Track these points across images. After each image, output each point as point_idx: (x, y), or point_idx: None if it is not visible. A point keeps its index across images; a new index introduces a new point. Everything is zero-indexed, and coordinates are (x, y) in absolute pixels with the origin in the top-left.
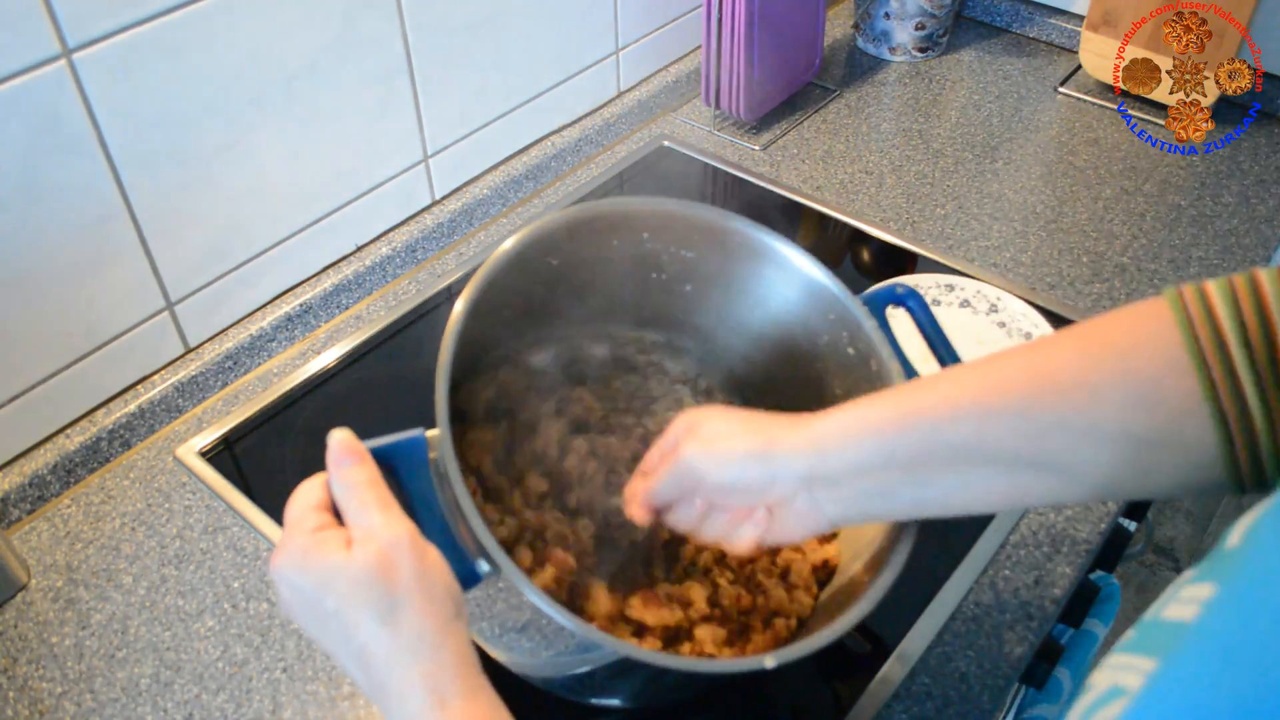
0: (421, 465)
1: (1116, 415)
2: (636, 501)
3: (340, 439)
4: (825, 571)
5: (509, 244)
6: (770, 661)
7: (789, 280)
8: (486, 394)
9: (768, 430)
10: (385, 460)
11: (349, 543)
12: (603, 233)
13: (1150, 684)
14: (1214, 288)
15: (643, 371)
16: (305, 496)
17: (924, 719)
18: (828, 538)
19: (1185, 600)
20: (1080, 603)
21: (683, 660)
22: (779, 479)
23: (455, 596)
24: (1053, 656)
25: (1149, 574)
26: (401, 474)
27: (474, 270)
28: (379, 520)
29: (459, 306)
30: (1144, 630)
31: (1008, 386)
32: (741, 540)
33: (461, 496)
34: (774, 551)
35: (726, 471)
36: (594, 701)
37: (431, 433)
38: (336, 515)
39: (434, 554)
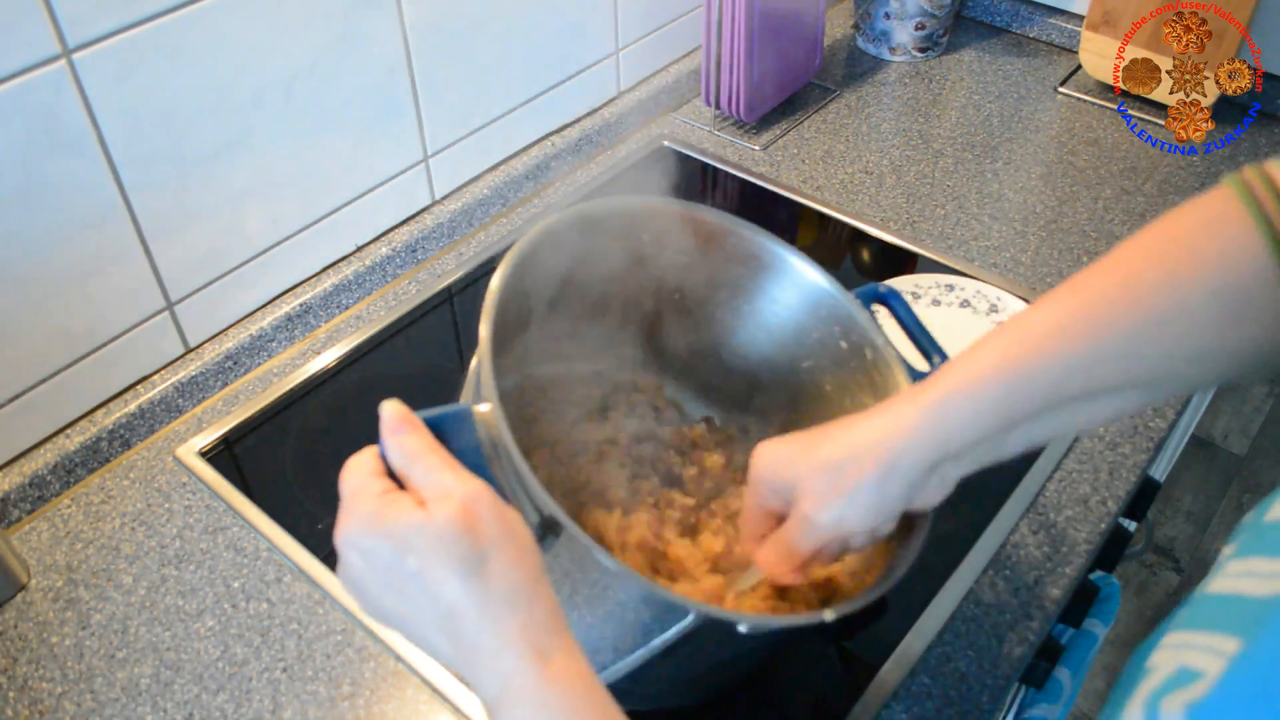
0: (470, 435)
1: (1217, 337)
2: (782, 572)
3: (394, 409)
4: (828, 589)
5: (524, 242)
6: (830, 615)
7: (778, 279)
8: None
9: (875, 452)
10: (435, 430)
11: (423, 503)
12: (604, 234)
13: (1237, 663)
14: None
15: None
16: (361, 465)
17: (924, 719)
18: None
19: (1248, 574)
20: (1080, 603)
21: (753, 617)
22: (914, 486)
23: (538, 551)
24: (1053, 656)
25: (1149, 574)
26: (452, 444)
27: (477, 272)
28: (451, 479)
29: (498, 278)
30: (1201, 606)
31: (1109, 323)
32: (864, 543)
33: (521, 466)
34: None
35: (868, 512)
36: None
37: (478, 408)
38: (397, 485)
39: (513, 511)
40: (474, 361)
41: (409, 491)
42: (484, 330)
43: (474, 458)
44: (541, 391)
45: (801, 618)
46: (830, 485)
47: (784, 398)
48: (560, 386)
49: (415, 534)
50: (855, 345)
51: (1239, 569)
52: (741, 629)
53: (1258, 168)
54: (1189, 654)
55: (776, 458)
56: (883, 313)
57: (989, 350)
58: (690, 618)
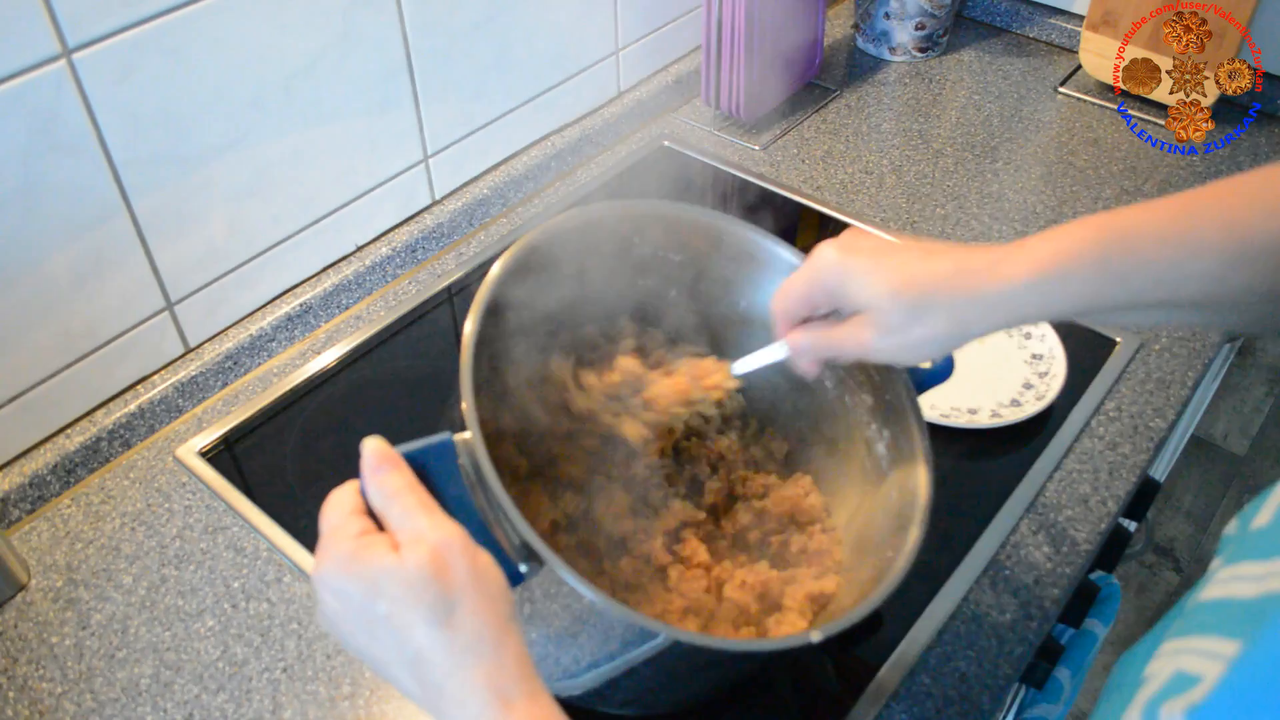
0: (452, 468)
1: None
2: (810, 365)
3: (374, 447)
4: (820, 603)
5: (513, 250)
6: (816, 636)
7: (773, 277)
8: (497, 404)
9: (953, 297)
10: (416, 465)
11: (396, 547)
12: (598, 237)
13: (1236, 665)
14: None
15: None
16: (341, 503)
17: (924, 719)
18: (827, 570)
19: (1236, 579)
20: (1080, 603)
21: (733, 641)
22: (972, 335)
23: (509, 597)
24: (1053, 656)
25: (1149, 574)
26: (434, 478)
27: (477, 272)
28: (425, 523)
29: (479, 300)
30: (1196, 614)
31: (1208, 248)
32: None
33: (500, 496)
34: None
35: (922, 356)
36: (619, 712)
37: (460, 436)
38: (374, 523)
39: (485, 555)
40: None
41: (386, 532)
42: (465, 359)
43: (456, 489)
44: (538, 400)
45: (788, 640)
46: (901, 324)
47: (784, 396)
48: (557, 394)
49: (386, 578)
50: None
51: (1228, 575)
52: (720, 652)
53: None
54: (1185, 659)
55: (848, 268)
56: None
57: (1089, 239)
58: (661, 639)
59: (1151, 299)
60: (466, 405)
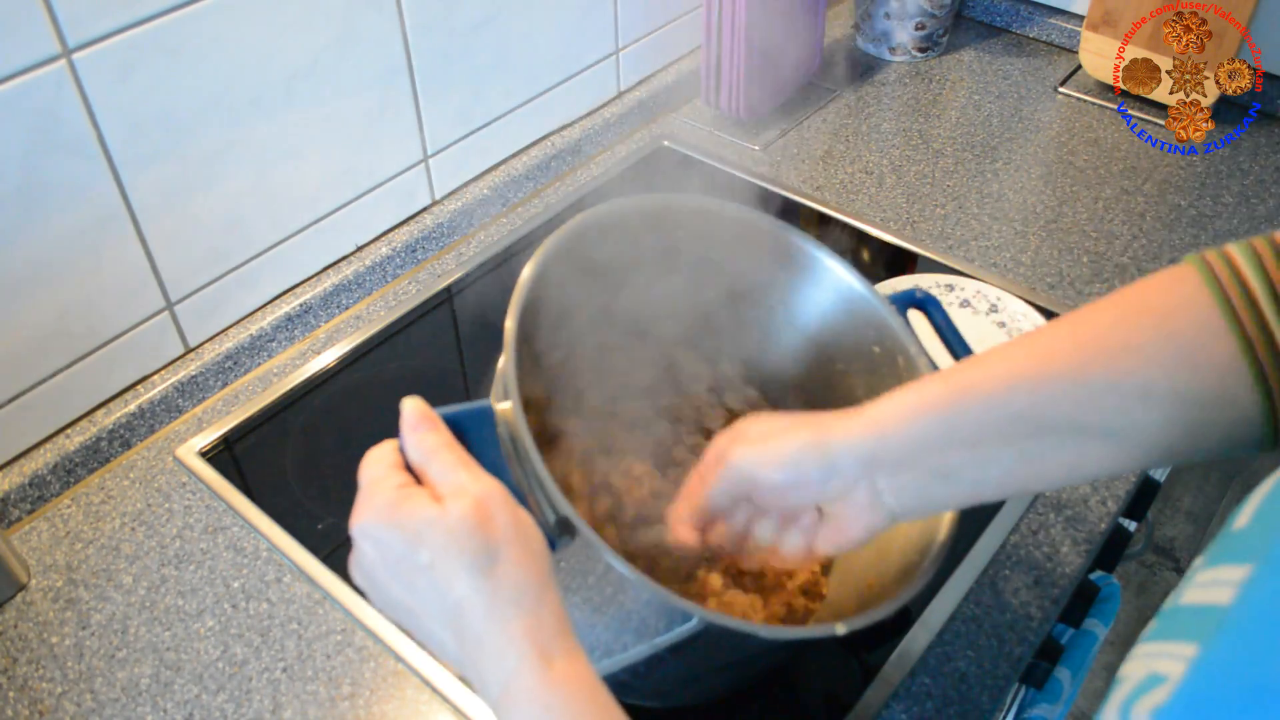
0: (490, 434)
1: (1164, 376)
2: (681, 523)
3: (414, 406)
4: (813, 595)
5: (555, 237)
6: (841, 629)
7: (814, 281)
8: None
9: (819, 423)
10: (455, 428)
11: (437, 499)
12: (638, 229)
13: (1195, 667)
14: (1237, 250)
15: (674, 374)
16: (382, 458)
17: (924, 719)
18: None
19: (1213, 583)
20: (1080, 603)
21: (763, 628)
22: (838, 468)
23: (548, 554)
24: (1053, 656)
25: (1149, 574)
26: (471, 442)
27: (477, 272)
28: (467, 476)
29: (525, 276)
30: (1172, 618)
31: (1056, 355)
32: (791, 550)
33: (538, 465)
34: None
35: (781, 470)
36: (644, 703)
37: (500, 406)
38: (414, 480)
39: (525, 513)
40: (501, 359)
41: (425, 487)
42: (509, 326)
43: (493, 456)
44: (577, 385)
45: (814, 630)
46: (762, 435)
47: (817, 400)
48: (597, 380)
49: (428, 528)
50: (888, 351)
51: (1206, 579)
52: (754, 638)
53: (1218, 249)
54: (1157, 662)
55: (755, 418)
56: (916, 319)
57: (945, 374)
58: (694, 623)
59: (1014, 418)
60: (509, 375)
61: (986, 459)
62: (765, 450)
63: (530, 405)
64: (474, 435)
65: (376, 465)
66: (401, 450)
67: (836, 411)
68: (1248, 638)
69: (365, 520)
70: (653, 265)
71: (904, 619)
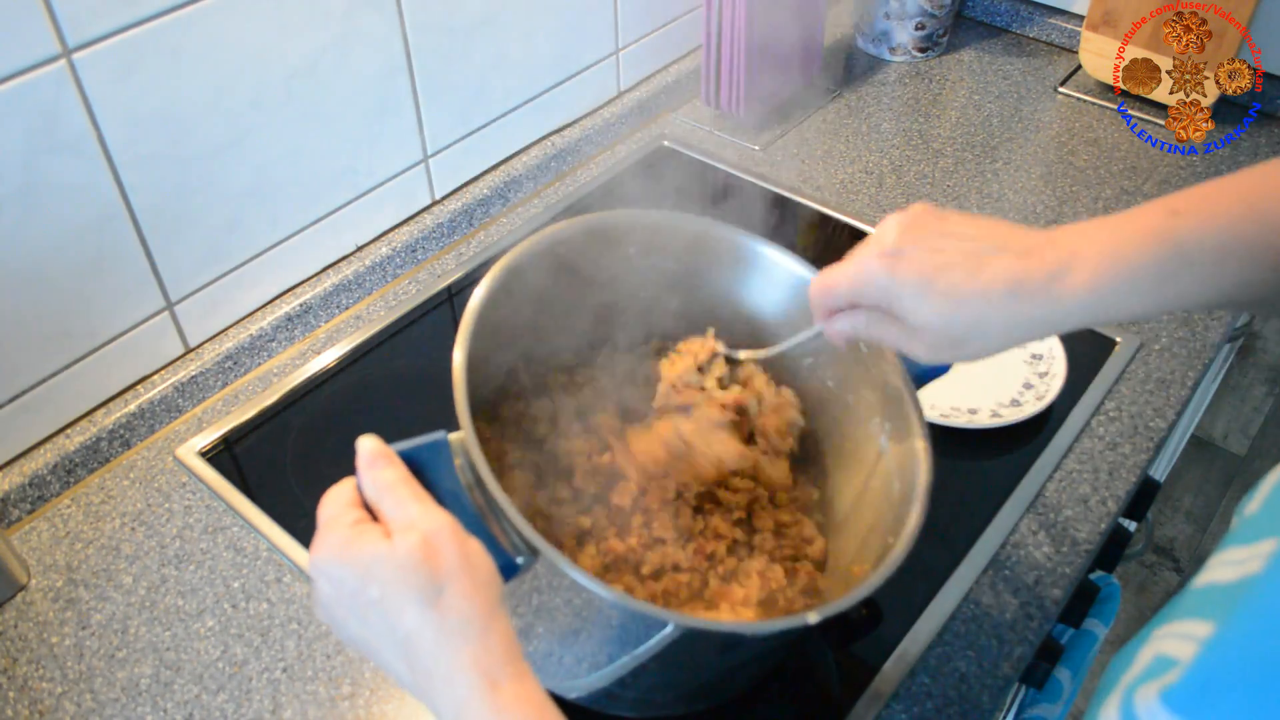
0: (448, 465)
1: None
2: (822, 288)
3: (369, 445)
4: (811, 594)
5: (505, 260)
6: (813, 617)
7: (766, 278)
8: (493, 402)
9: (1026, 278)
10: (412, 463)
11: (389, 534)
12: (592, 248)
13: (1210, 645)
14: None
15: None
16: (338, 496)
17: (924, 719)
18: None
19: (1226, 564)
20: (1080, 603)
21: (735, 624)
22: (1045, 328)
23: (498, 583)
24: (1053, 656)
25: (1149, 574)
26: (429, 475)
27: (477, 272)
28: (417, 511)
29: (470, 309)
30: (1185, 600)
31: (1271, 259)
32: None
33: (495, 491)
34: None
35: (966, 334)
36: (626, 714)
37: (454, 435)
38: (370, 515)
39: (475, 543)
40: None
41: (380, 523)
42: (458, 357)
43: (451, 485)
44: (538, 405)
45: (785, 621)
46: (953, 344)
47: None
48: (562, 395)
49: (378, 563)
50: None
51: (1217, 561)
52: (724, 635)
53: None
54: (1165, 643)
55: (897, 286)
56: None
57: (1148, 253)
58: (670, 629)
59: (1211, 304)
60: (460, 404)
61: (1167, 296)
62: (954, 358)
63: (489, 430)
64: (431, 468)
65: (333, 504)
66: (359, 487)
67: (1023, 283)
68: (1263, 615)
69: (320, 558)
70: (608, 282)
71: (904, 619)
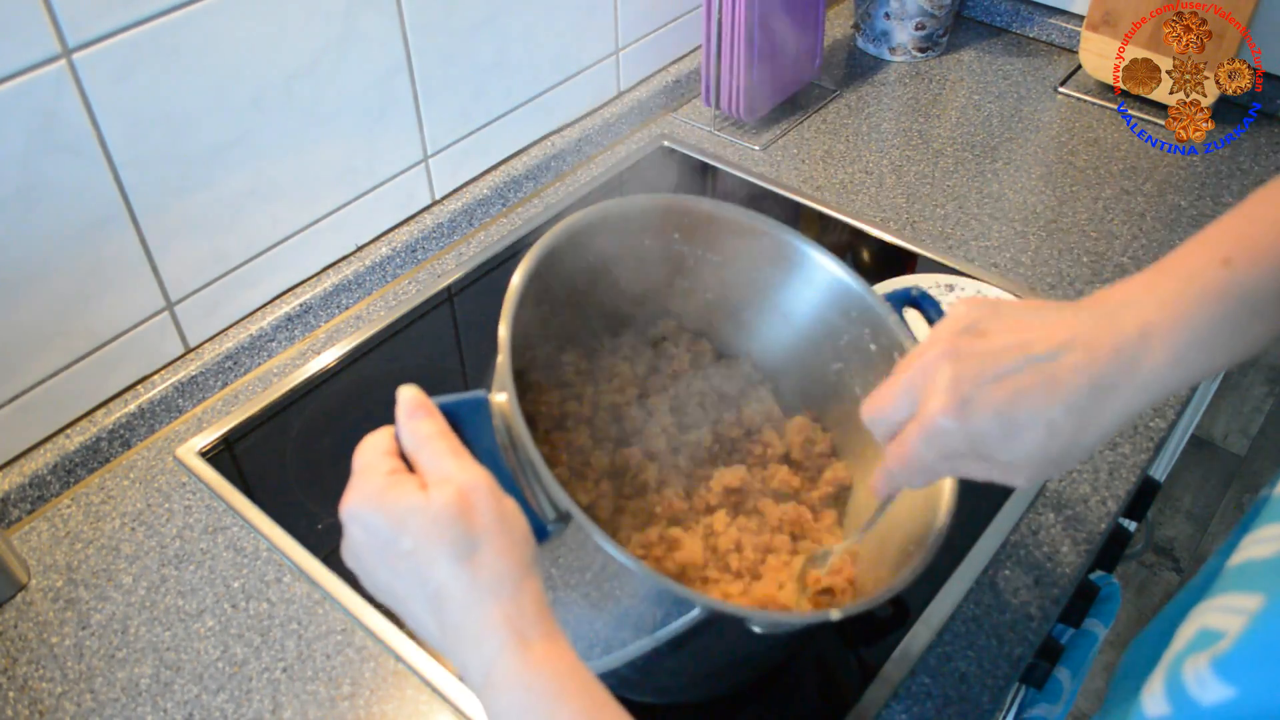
0: (485, 424)
1: None
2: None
3: (410, 394)
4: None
5: (550, 236)
6: (835, 614)
7: (808, 280)
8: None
9: (1076, 396)
10: (451, 417)
11: (424, 486)
12: (635, 229)
13: (1261, 616)
14: None
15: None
16: (375, 444)
17: (924, 719)
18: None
19: (1261, 541)
20: (1080, 603)
21: (763, 613)
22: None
23: (531, 543)
24: (1053, 656)
25: (1149, 574)
26: (467, 432)
27: (477, 272)
28: (454, 465)
29: (521, 271)
30: (1223, 578)
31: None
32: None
33: (532, 453)
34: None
35: (1024, 457)
36: (638, 697)
37: (496, 397)
38: (406, 465)
39: (510, 501)
40: (499, 356)
41: (415, 474)
42: (504, 323)
43: (488, 445)
44: (575, 377)
45: (808, 615)
46: (1051, 467)
47: (814, 401)
48: (594, 374)
49: (412, 514)
50: (885, 349)
51: (1249, 540)
52: (751, 626)
53: None
54: (1207, 617)
55: (978, 438)
56: (911, 316)
57: (1219, 312)
58: (697, 611)
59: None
60: (503, 367)
61: (1219, 357)
62: (1051, 438)
63: (528, 398)
64: (469, 425)
65: (370, 451)
66: (396, 437)
67: (1103, 379)
68: None
69: (353, 504)
70: (649, 264)
71: (904, 618)
